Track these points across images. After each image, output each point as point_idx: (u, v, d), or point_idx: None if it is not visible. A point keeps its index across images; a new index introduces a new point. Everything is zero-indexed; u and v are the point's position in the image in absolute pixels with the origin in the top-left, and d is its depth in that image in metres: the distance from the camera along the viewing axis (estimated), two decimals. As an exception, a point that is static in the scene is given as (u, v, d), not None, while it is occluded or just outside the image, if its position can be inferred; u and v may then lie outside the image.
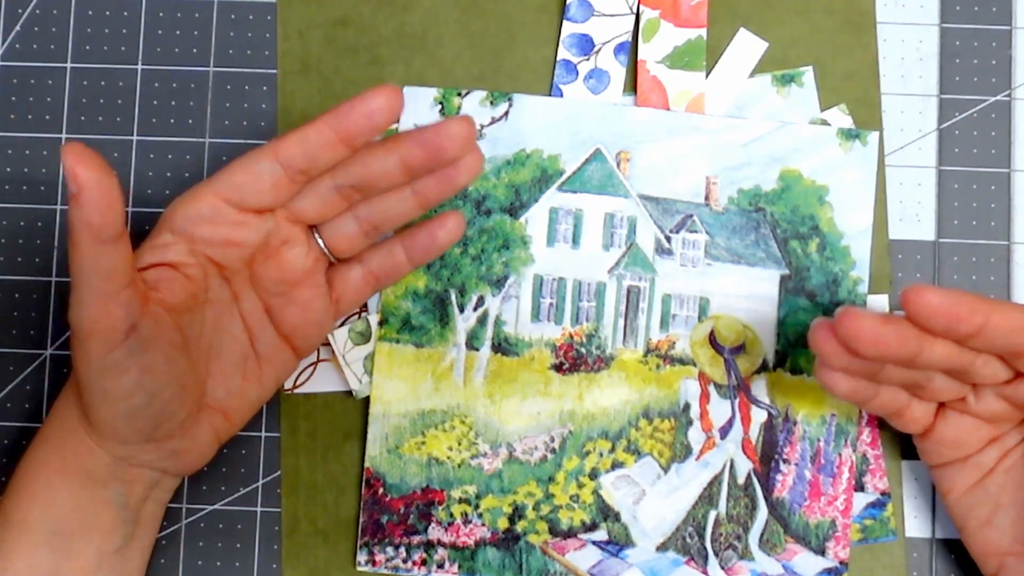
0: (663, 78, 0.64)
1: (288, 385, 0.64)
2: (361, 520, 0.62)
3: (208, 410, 0.57)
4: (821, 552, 0.61)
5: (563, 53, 0.64)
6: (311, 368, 0.64)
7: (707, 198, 0.63)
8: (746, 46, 0.64)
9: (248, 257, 0.56)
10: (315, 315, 0.58)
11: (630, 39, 0.64)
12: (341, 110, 0.52)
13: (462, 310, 0.63)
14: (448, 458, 0.62)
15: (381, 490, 0.62)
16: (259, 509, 0.64)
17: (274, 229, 0.56)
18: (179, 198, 0.54)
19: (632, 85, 0.64)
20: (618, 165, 0.63)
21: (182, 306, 0.54)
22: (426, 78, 0.65)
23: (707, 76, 0.64)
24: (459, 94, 0.64)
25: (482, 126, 0.64)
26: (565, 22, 0.65)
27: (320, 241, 0.58)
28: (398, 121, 0.53)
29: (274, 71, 0.66)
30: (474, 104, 0.64)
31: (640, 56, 0.64)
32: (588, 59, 0.64)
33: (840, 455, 0.61)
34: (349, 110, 0.52)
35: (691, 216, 0.63)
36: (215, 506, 0.64)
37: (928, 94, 0.64)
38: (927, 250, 0.64)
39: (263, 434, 0.64)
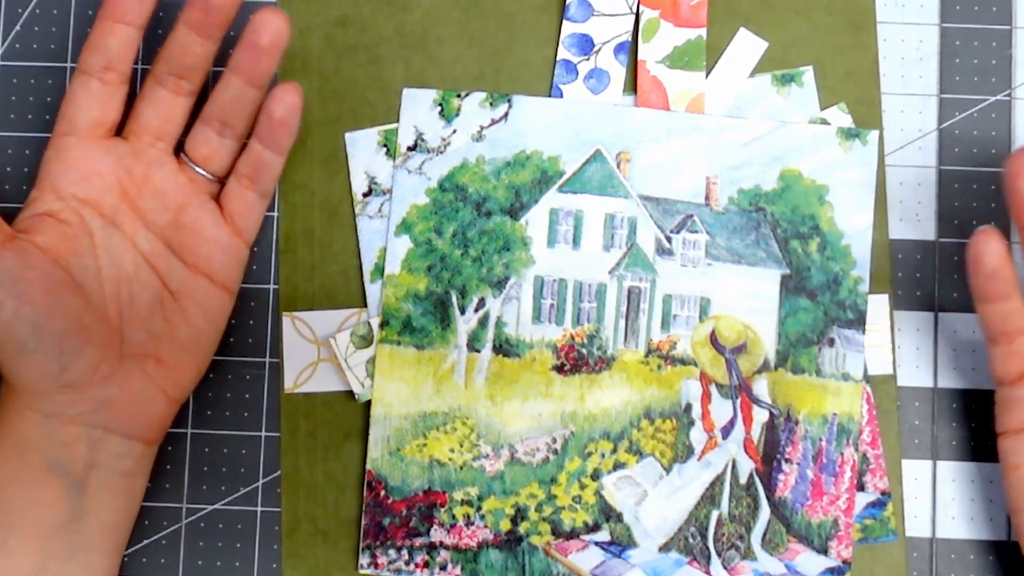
0: (663, 78, 0.64)
1: (288, 385, 0.64)
2: (363, 522, 0.62)
3: (135, 357, 0.58)
4: (824, 551, 0.61)
5: (563, 53, 0.64)
6: (311, 368, 0.64)
7: (707, 198, 0.63)
8: (746, 46, 0.64)
9: (119, 190, 0.58)
10: (211, 234, 0.59)
11: (630, 39, 0.64)
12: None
13: (463, 312, 0.63)
14: (450, 460, 0.62)
15: (383, 492, 0.62)
16: (259, 509, 0.64)
17: (130, 153, 0.58)
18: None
19: (632, 85, 0.64)
20: (618, 166, 0.63)
21: (62, 248, 0.56)
22: (426, 78, 0.65)
23: (707, 76, 0.64)
24: (458, 95, 0.64)
25: (482, 127, 0.64)
26: (565, 22, 0.65)
27: (188, 159, 0.60)
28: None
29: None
30: (474, 105, 0.64)
31: (640, 56, 0.64)
32: (588, 59, 0.64)
33: (842, 454, 0.62)
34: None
35: (691, 216, 0.63)
36: (215, 506, 0.64)
37: (928, 94, 0.65)
38: (927, 250, 0.64)
39: (263, 434, 0.64)
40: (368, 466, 0.63)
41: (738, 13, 0.65)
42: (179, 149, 0.61)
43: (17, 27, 0.66)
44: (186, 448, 0.64)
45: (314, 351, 0.64)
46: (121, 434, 0.58)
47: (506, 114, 0.64)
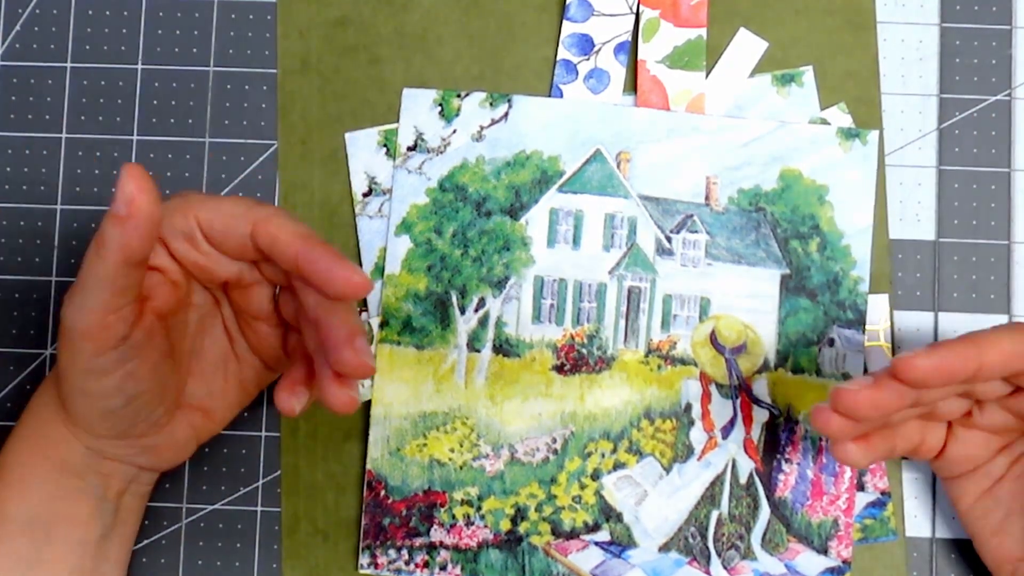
0: (663, 78, 0.64)
1: (288, 385, 0.64)
2: (363, 522, 0.62)
3: (187, 409, 0.57)
4: (824, 551, 0.61)
5: (563, 53, 0.64)
6: (311, 368, 0.64)
7: (707, 198, 0.63)
8: (746, 46, 0.64)
9: (223, 283, 0.56)
10: (271, 352, 0.58)
11: (630, 39, 0.64)
12: (319, 258, 0.50)
13: (463, 312, 0.63)
14: (450, 460, 0.62)
15: (383, 492, 0.62)
16: (259, 509, 0.64)
17: (247, 270, 0.55)
18: (171, 203, 0.53)
19: (632, 85, 0.64)
20: (618, 166, 0.63)
21: (167, 311, 0.54)
22: (426, 78, 0.65)
23: (707, 76, 0.64)
24: (458, 96, 0.64)
25: (482, 127, 0.64)
26: (565, 22, 0.65)
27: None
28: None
29: (274, 71, 0.66)
30: (473, 106, 0.64)
31: (640, 56, 0.64)
32: (588, 59, 0.64)
33: (841, 455, 0.62)
34: (324, 269, 0.50)
35: (691, 216, 0.63)
36: (215, 506, 0.64)
37: (928, 94, 0.65)
38: (927, 250, 0.64)
39: (263, 434, 0.64)
40: (368, 466, 0.63)
41: (738, 13, 0.65)
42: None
43: (17, 27, 0.66)
44: (186, 448, 0.64)
45: (314, 351, 0.64)
46: (152, 470, 0.59)
47: (506, 114, 0.64)
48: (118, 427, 0.54)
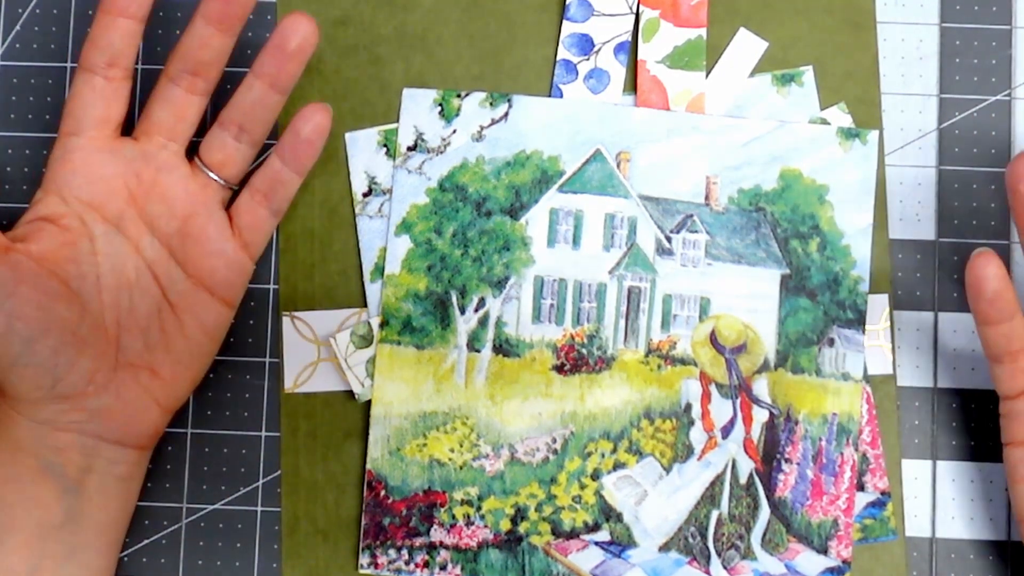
0: (663, 78, 0.64)
1: (288, 385, 0.64)
2: (363, 522, 0.62)
3: (129, 367, 0.57)
4: (823, 551, 0.61)
5: (563, 53, 0.64)
6: (311, 368, 0.64)
7: (707, 198, 0.63)
8: (746, 46, 0.64)
9: (126, 194, 0.57)
10: (216, 247, 0.59)
11: (630, 39, 0.64)
12: None
13: (463, 312, 0.63)
14: (450, 460, 0.62)
15: (383, 492, 0.62)
16: (259, 509, 0.64)
17: (140, 156, 0.57)
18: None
19: (632, 85, 0.64)
20: (618, 165, 0.63)
21: (59, 255, 0.55)
22: (426, 78, 0.65)
23: (707, 76, 0.64)
24: (459, 95, 0.64)
25: (482, 127, 0.64)
26: (565, 22, 0.65)
27: (201, 164, 0.60)
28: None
29: (274, 71, 0.66)
30: (474, 105, 0.64)
31: (640, 56, 0.64)
32: (588, 59, 0.64)
33: (842, 454, 0.62)
34: None
35: (691, 216, 0.63)
36: (215, 506, 0.64)
37: (928, 94, 0.65)
38: (927, 250, 0.64)
39: (263, 434, 0.64)
40: (368, 466, 0.63)
41: (738, 13, 0.65)
42: (191, 153, 0.61)
43: (17, 27, 0.66)
44: (186, 448, 0.64)
45: (314, 351, 0.64)
46: (114, 442, 0.58)
47: (506, 114, 0.64)
48: (41, 383, 0.54)
